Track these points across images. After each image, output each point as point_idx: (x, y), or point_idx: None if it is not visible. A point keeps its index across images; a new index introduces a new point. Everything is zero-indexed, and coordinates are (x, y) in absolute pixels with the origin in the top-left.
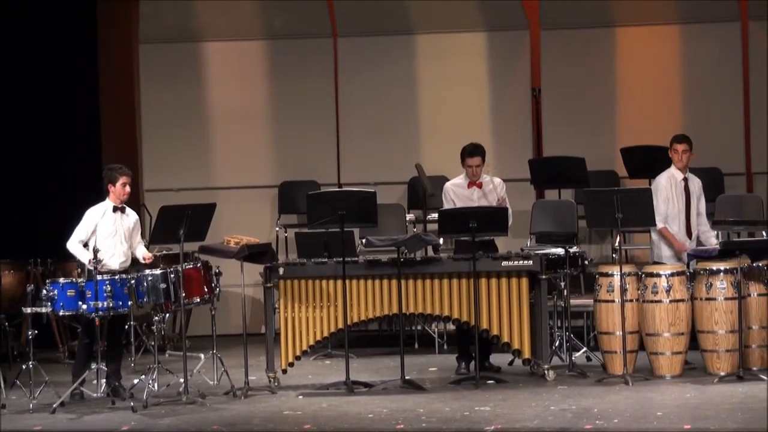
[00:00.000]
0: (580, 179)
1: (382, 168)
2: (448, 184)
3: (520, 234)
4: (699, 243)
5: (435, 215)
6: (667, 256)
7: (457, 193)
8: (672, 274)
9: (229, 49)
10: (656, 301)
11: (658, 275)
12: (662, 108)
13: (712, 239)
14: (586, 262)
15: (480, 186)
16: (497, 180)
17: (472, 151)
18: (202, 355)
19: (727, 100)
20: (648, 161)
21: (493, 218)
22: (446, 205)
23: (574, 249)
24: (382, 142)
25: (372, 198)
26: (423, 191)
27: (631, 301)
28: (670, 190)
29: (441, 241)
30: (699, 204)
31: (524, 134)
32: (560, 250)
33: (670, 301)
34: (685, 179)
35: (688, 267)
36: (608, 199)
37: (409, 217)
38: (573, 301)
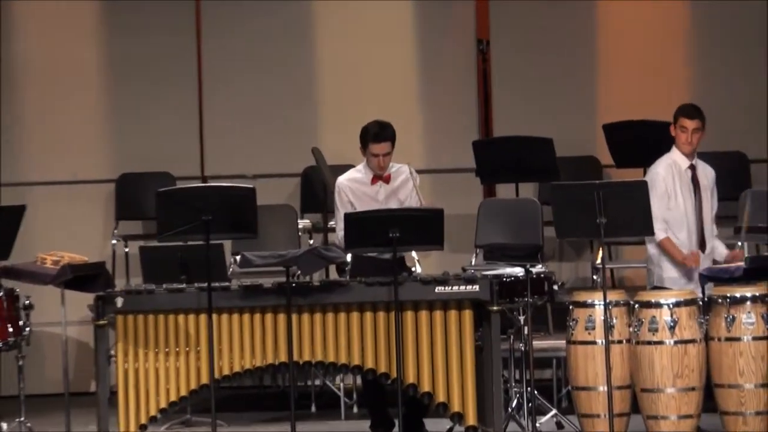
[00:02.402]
0: (546, 169)
1: (264, 155)
2: (342, 180)
3: (460, 247)
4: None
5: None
6: (671, 279)
7: (356, 192)
8: (678, 304)
9: None
10: (656, 343)
11: (659, 305)
12: (661, 68)
13: (720, 248)
14: (556, 287)
15: (387, 180)
16: (406, 168)
17: (379, 134)
18: (5, 425)
19: (751, 57)
20: (642, 143)
21: (425, 225)
22: (341, 210)
23: (538, 268)
24: (265, 119)
25: (249, 197)
26: (323, 187)
27: (621, 342)
28: (671, 184)
29: (348, 257)
30: (713, 200)
31: (466, 105)
32: (518, 271)
33: (676, 343)
34: (692, 167)
35: (702, 294)
36: (586, 196)
37: (303, 223)
38: (537, 343)
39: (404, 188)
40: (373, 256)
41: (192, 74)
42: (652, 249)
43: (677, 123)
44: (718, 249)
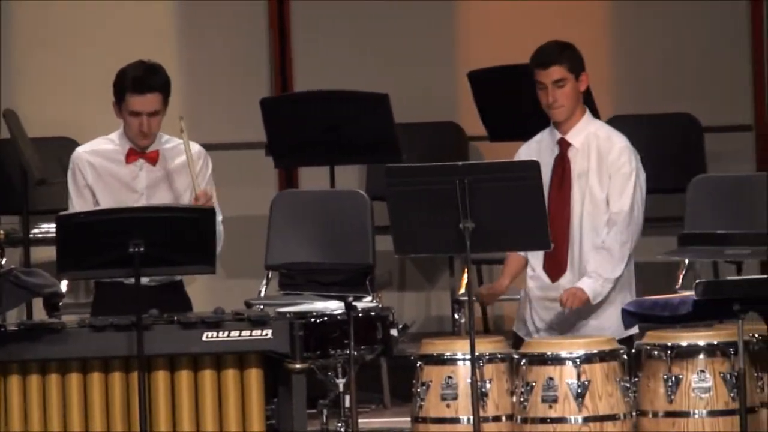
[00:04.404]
0: (378, 142)
1: None
2: (80, 153)
3: (242, 269)
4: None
5: (50, 228)
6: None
7: (101, 171)
8: (589, 358)
9: None
10: (555, 420)
11: (558, 360)
12: None
13: (606, 270)
14: (395, 333)
15: (153, 159)
16: (196, 148)
17: (142, 80)
18: None
19: None
20: (530, 102)
21: (185, 233)
22: (75, 202)
23: (366, 302)
24: None
25: None
26: (20, 172)
27: (499, 419)
28: None
29: (64, 286)
30: (599, 195)
31: (254, 43)
32: (335, 306)
33: (587, 420)
34: (564, 144)
35: (630, 343)
36: (442, 186)
37: None
38: (366, 422)
39: (181, 176)
40: (122, 281)
41: None
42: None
43: (534, 79)
44: (601, 268)
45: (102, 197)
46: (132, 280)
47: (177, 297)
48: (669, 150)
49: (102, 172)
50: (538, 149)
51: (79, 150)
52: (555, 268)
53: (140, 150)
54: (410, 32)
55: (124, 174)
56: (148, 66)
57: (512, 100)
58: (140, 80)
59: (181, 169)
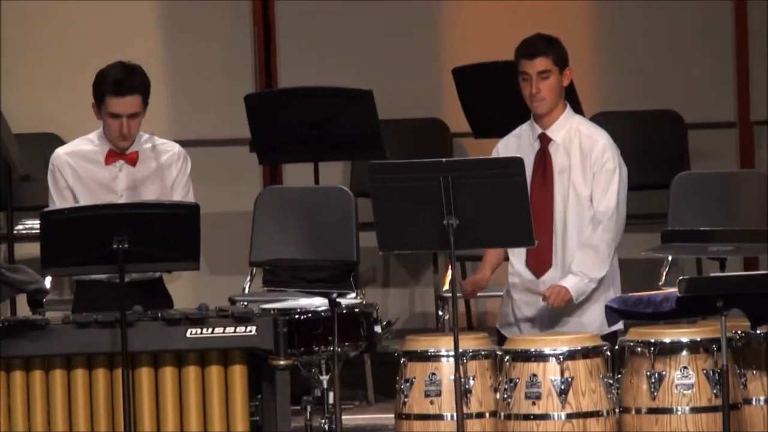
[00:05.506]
0: (362, 139)
1: None
2: (59, 154)
3: (226, 265)
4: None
5: (34, 224)
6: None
7: (80, 173)
8: (572, 354)
9: None
10: (538, 417)
11: (542, 357)
12: None
13: (591, 270)
14: (379, 330)
15: (133, 161)
16: (175, 149)
17: (122, 82)
18: None
19: None
20: (515, 99)
21: (169, 229)
22: (57, 202)
23: (350, 299)
24: None
25: None
26: (5, 170)
27: (482, 416)
28: None
29: (48, 282)
30: (583, 192)
31: (239, 41)
32: (319, 303)
33: (570, 417)
34: (545, 139)
35: (614, 340)
36: (426, 182)
37: None
38: (350, 419)
39: (159, 179)
40: (102, 280)
41: None
42: (511, 265)
43: (518, 70)
44: (589, 271)
45: (82, 198)
46: (112, 278)
47: (157, 293)
48: (653, 147)
49: (81, 174)
50: (517, 144)
51: (58, 151)
52: (539, 264)
53: (120, 151)
54: (394, 29)
55: (104, 175)
56: (127, 67)
57: (496, 96)
58: (119, 82)
59: (162, 171)
